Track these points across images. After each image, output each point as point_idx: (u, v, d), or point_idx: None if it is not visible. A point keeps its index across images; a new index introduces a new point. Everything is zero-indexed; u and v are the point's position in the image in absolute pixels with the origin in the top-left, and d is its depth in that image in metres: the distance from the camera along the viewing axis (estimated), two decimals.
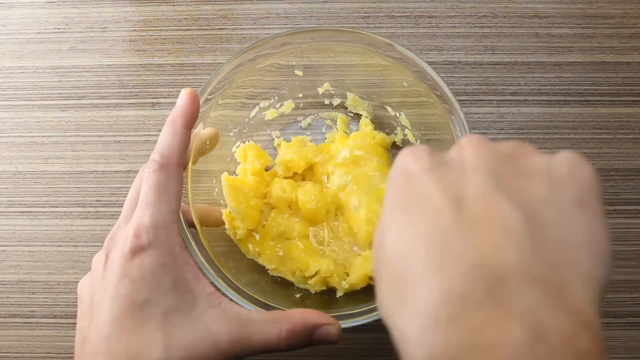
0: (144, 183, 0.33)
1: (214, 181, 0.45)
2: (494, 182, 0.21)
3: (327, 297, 0.42)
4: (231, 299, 0.36)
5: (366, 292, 0.41)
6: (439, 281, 0.20)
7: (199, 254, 0.38)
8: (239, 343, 0.31)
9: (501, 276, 0.19)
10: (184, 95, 0.36)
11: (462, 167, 0.23)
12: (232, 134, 0.46)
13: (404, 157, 0.25)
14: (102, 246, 0.48)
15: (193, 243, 0.38)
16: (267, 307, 0.37)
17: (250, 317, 0.32)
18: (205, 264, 0.38)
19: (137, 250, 0.31)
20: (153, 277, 0.31)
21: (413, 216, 0.22)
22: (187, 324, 0.31)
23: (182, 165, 0.35)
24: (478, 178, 0.22)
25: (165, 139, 0.35)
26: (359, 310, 0.38)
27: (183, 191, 0.39)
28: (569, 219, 0.21)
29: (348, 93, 0.47)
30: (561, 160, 0.23)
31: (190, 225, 0.39)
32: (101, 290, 0.32)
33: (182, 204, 0.38)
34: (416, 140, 0.45)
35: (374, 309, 0.37)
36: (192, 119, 0.36)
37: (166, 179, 0.33)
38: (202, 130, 0.40)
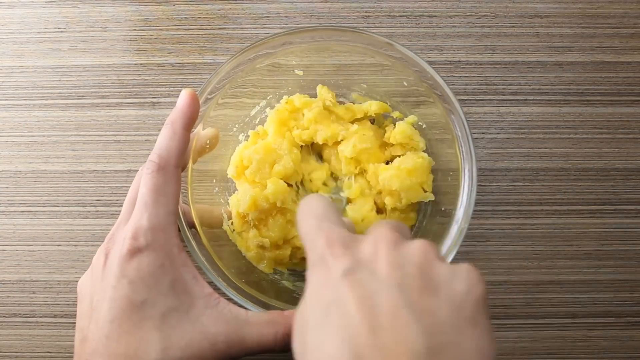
0: (142, 184, 0.33)
1: (214, 181, 0.45)
2: (405, 301, 0.23)
3: None
4: (231, 299, 0.37)
5: None
6: None
7: (199, 253, 0.38)
8: (236, 344, 0.32)
9: None
10: (184, 96, 0.36)
11: (375, 274, 0.25)
12: (232, 133, 0.46)
13: (321, 244, 0.27)
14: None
15: (193, 242, 0.38)
16: (267, 307, 0.37)
17: (247, 319, 0.33)
18: (206, 263, 0.38)
19: (135, 252, 0.31)
20: (151, 278, 0.31)
21: (334, 326, 0.24)
22: (184, 324, 0.31)
23: (181, 166, 0.35)
24: (391, 294, 0.24)
25: (164, 140, 0.35)
26: None
27: (183, 191, 0.39)
28: (464, 341, 0.23)
29: (353, 94, 0.47)
30: (461, 275, 0.25)
31: (191, 226, 0.39)
32: (100, 291, 0.32)
33: (182, 204, 0.38)
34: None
35: None
36: (191, 120, 0.36)
37: (164, 181, 0.34)
38: (201, 131, 0.40)
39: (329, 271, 0.26)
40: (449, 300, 0.24)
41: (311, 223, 0.29)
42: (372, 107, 0.45)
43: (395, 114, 0.45)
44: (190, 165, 0.39)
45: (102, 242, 0.46)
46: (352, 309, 0.23)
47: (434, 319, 0.23)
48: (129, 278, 0.31)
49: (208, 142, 0.41)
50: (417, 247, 0.26)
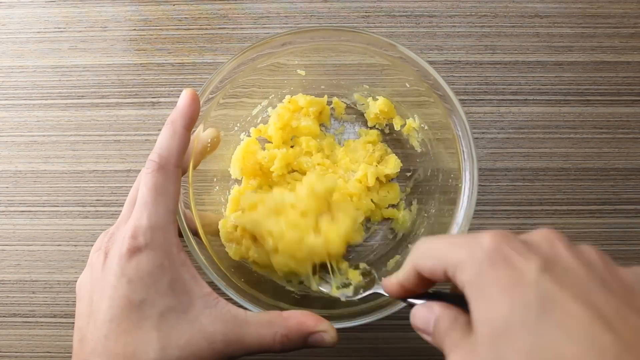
0: (142, 184, 0.34)
1: (215, 180, 0.45)
2: (620, 300, 0.23)
3: (327, 297, 0.42)
4: (231, 298, 0.37)
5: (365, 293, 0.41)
6: None
7: (199, 253, 0.38)
8: (234, 343, 0.32)
9: None
10: (184, 96, 0.36)
11: (574, 272, 0.24)
12: (233, 132, 0.46)
13: (489, 241, 0.25)
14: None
15: (193, 242, 0.38)
16: (266, 307, 0.37)
17: (246, 319, 0.33)
18: (206, 263, 0.38)
19: (134, 251, 0.31)
20: (150, 278, 0.31)
21: (561, 325, 0.22)
22: (183, 324, 0.31)
23: (181, 166, 0.35)
24: (603, 292, 0.23)
25: (164, 140, 0.35)
26: (358, 310, 0.38)
27: (183, 190, 0.39)
28: None
29: (355, 94, 0.47)
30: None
31: (194, 233, 0.39)
32: (100, 290, 0.32)
33: (186, 210, 0.38)
34: (417, 132, 0.45)
35: (373, 309, 0.37)
36: (192, 120, 0.36)
37: (164, 180, 0.34)
38: (202, 133, 0.40)
39: (518, 269, 0.24)
40: None
41: (446, 240, 0.28)
42: (378, 106, 0.45)
43: (397, 121, 0.46)
44: (191, 166, 0.39)
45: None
46: (575, 308, 0.22)
47: None
48: (128, 277, 0.31)
49: (209, 143, 0.41)
50: (591, 249, 0.26)
